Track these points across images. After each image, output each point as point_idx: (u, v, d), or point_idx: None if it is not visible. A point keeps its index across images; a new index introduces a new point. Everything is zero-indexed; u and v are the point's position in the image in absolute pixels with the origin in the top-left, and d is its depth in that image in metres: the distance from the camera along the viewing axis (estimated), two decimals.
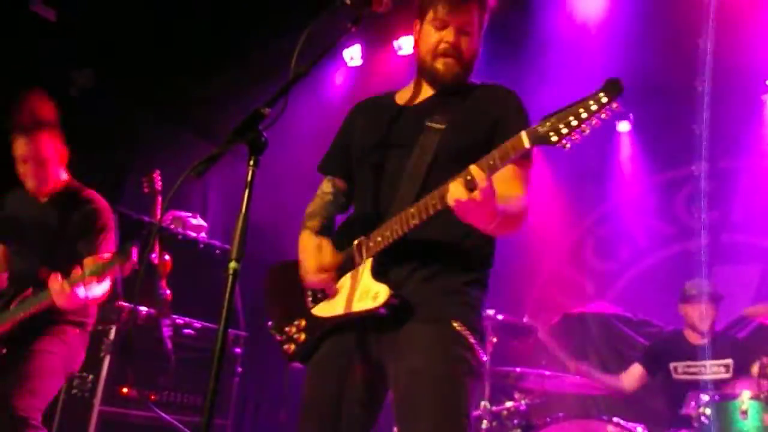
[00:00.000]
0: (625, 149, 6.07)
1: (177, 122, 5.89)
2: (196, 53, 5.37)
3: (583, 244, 6.30)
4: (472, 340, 1.82)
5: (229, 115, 4.56)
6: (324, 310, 1.95)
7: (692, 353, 4.08)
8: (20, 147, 3.11)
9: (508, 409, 3.66)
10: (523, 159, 1.86)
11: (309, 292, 2.01)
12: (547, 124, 1.54)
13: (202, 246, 4.68)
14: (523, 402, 3.69)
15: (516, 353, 4.81)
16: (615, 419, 3.32)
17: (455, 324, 1.81)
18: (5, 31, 4.89)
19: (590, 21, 5.30)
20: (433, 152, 1.91)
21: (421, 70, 2.07)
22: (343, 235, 1.99)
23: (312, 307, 1.98)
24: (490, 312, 3.77)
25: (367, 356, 1.88)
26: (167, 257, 4.27)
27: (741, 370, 3.82)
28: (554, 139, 1.52)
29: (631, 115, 5.98)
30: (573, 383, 3.88)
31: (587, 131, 1.51)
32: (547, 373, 3.75)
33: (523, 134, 1.59)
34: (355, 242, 1.91)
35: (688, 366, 4.08)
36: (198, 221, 4.92)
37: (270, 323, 2.09)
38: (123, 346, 3.81)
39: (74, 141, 3.33)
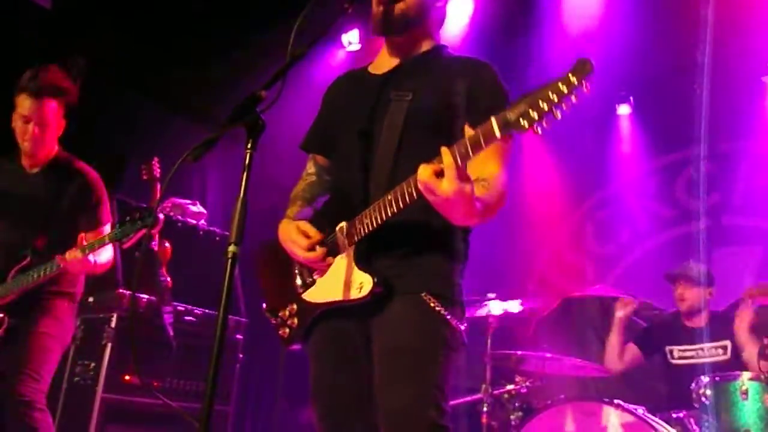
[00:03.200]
0: (625, 132, 6.04)
1: (175, 108, 5.86)
2: (193, 37, 5.34)
3: (584, 227, 6.29)
4: (444, 313, 1.81)
5: (228, 99, 4.54)
6: (314, 295, 1.95)
7: (689, 337, 4.08)
8: (25, 106, 3.11)
9: (509, 392, 3.68)
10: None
11: (297, 275, 2.01)
12: (517, 110, 1.46)
13: (202, 233, 4.68)
14: (523, 385, 3.71)
15: (516, 336, 4.82)
16: (616, 401, 3.33)
17: (426, 297, 1.81)
18: (0, 19, 4.86)
19: (591, 4, 5.27)
20: (402, 123, 1.86)
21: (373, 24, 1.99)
22: (325, 215, 1.99)
23: (302, 292, 1.98)
24: (491, 295, 3.79)
25: (361, 338, 1.89)
26: (167, 244, 4.27)
27: (739, 351, 3.81)
28: (525, 125, 1.44)
29: (631, 98, 5.95)
30: (573, 365, 3.90)
31: (558, 115, 1.43)
32: (548, 355, 3.76)
33: (494, 121, 1.50)
34: (338, 227, 1.90)
35: (685, 350, 4.06)
36: (198, 208, 4.91)
37: (264, 306, 2.10)
38: (124, 334, 3.82)
39: (71, 130, 3.33)
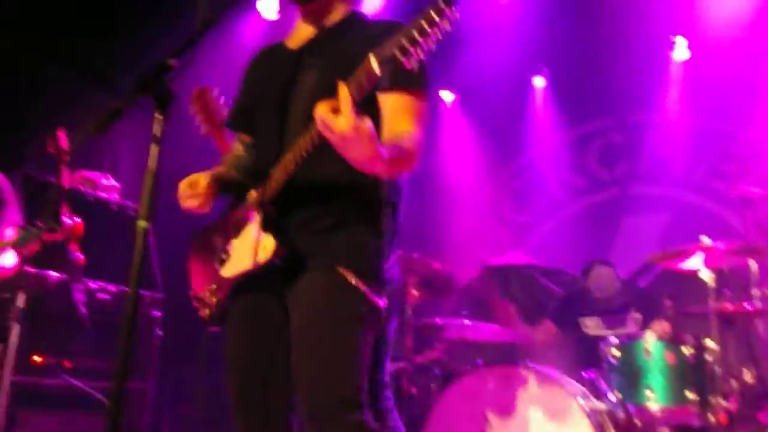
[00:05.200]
0: (540, 104, 6.20)
1: (83, 77, 5.59)
2: (100, 3, 5.08)
3: (501, 196, 6.46)
4: (361, 287, 1.77)
5: (140, 66, 4.37)
6: (228, 270, 1.93)
7: (599, 307, 4.29)
8: None
9: (429, 359, 3.76)
10: (416, 90, 1.82)
11: (217, 255, 1.99)
12: (392, 43, 1.45)
13: (114, 207, 4.52)
14: (443, 352, 3.80)
15: (437, 305, 4.91)
16: (531, 364, 3.46)
17: (343, 271, 1.77)
18: None
19: None
20: (314, 92, 1.82)
21: None
22: (242, 188, 1.95)
23: (219, 269, 1.97)
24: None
25: (279, 312, 1.88)
26: (78, 220, 4.09)
27: (650, 323, 4.03)
28: (400, 57, 1.43)
29: (546, 71, 6.10)
30: (492, 332, 4.01)
31: (432, 44, 1.42)
32: (467, 322, 3.86)
33: (371, 57, 1.48)
34: (248, 195, 1.89)
35: (598, 324, 4.27)
36: (109, 181, 4.73)
37: (190, 292, 2.07)
38: (33, 313, 3.67)
39: None
